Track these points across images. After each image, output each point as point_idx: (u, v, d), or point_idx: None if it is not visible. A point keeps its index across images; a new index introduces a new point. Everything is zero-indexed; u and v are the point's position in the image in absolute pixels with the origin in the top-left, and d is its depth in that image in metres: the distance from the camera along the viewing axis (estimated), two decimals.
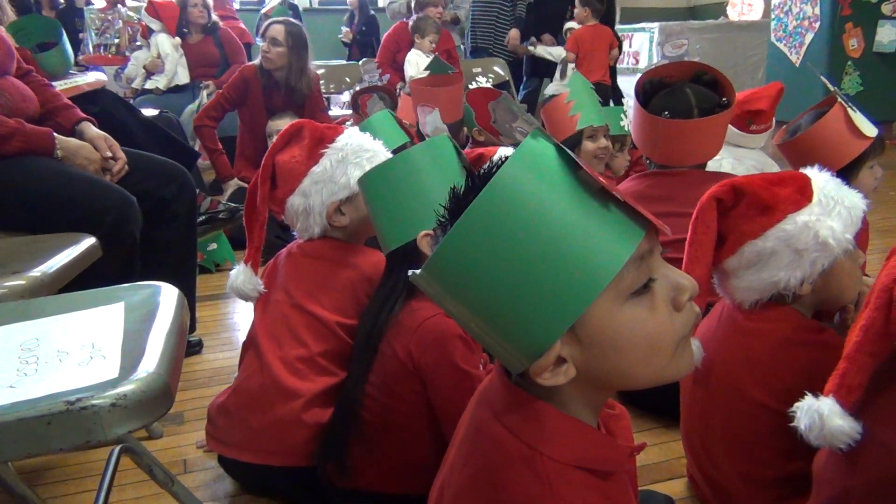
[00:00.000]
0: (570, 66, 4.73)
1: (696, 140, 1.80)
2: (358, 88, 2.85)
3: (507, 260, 0.62)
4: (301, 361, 1.36)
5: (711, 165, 1.95)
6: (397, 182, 1.17)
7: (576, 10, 4.95)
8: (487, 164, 0.70)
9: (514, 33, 5.21)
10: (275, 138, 1.47)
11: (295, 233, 1.51)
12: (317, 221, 1.42)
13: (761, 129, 2.41)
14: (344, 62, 5.25)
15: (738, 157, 2.37)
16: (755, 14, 7.95)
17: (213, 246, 2.79)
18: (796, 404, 0.94)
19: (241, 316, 2.44)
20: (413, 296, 1.20)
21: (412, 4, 4.78)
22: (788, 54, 6.13)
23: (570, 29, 5.05)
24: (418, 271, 0.68)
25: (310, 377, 1.35)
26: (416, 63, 4.32)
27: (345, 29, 7.22)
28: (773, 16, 6.35)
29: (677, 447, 1.51)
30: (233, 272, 1.45)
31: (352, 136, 1.44)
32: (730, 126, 1.98)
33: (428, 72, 3.18)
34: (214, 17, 4.61)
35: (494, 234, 0.62)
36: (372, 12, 7.03)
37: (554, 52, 5.12)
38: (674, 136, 1.80)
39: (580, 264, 0.62)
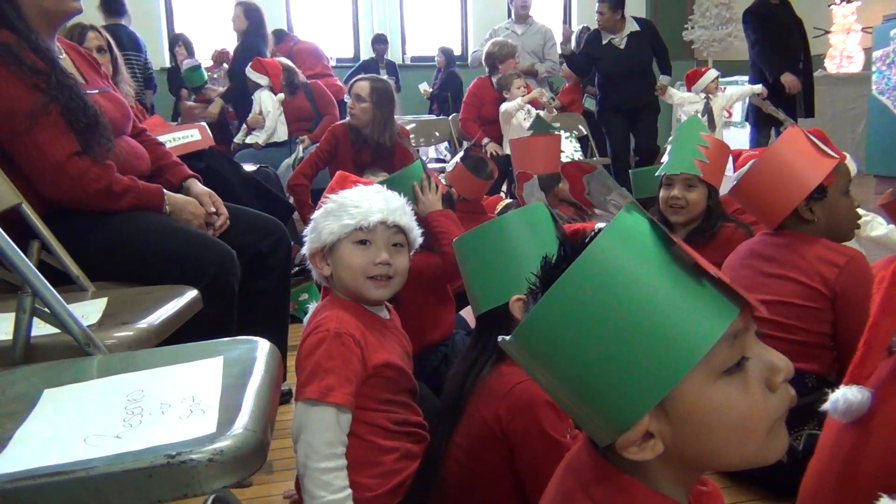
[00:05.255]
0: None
1: (760, 198, 1.70)
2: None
3: (597, 332, 0.63)
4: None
5: None
6: (492, 245, 1.19)
7: None
8: (583, 236, 0.71)
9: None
10: None
11: None
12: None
13: None
14: (434, 117, 5.36)
15: None
16: (854, 66, 7.71)
17: (305, 296, 2.86)
18: None
19: None
20: (502, 360, 1.21)
21: (485, 59, 4.87)
22: (892, 108, 5.88)
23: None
24: (508, 338, 0.69)
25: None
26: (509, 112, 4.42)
27: (422, 87, 7.29)
28: (874, 69, 6.13)
29: None
30: None
31: (351, 194, 1.35)
32: None
33: (531, 132, 3.19)
34: (302, 77, 4.83)
35: (585, 306, 0.63)
36: (452, 69, 7.10)
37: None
38: (744, 201, 1.76)
39: (671, 339, 0.62)
